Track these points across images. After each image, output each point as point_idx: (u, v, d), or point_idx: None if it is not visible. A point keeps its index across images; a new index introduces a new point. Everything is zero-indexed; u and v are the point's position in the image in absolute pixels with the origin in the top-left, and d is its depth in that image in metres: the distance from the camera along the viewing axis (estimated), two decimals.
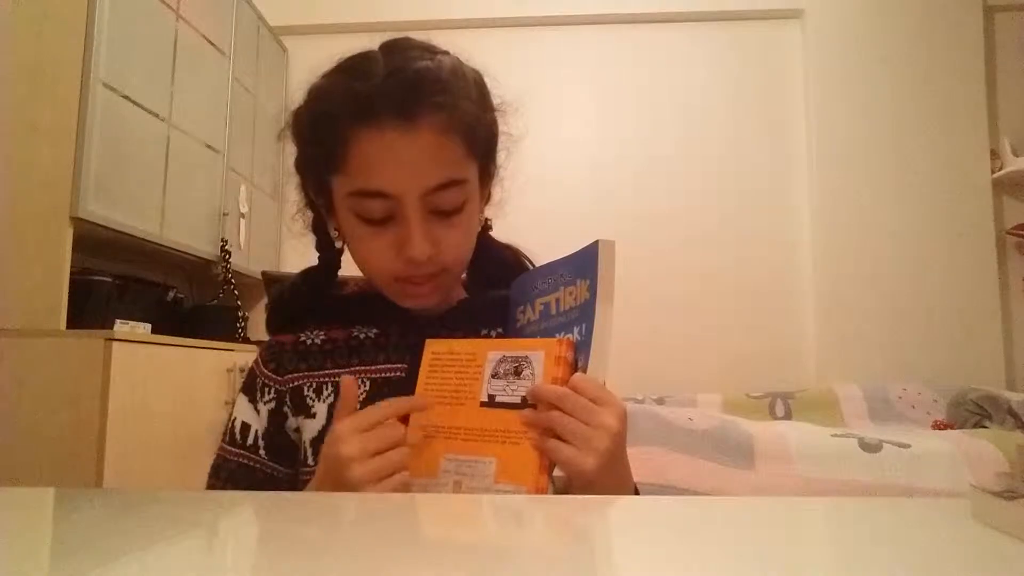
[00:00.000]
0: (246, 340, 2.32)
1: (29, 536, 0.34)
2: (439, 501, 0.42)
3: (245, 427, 0.70)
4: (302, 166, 0.70)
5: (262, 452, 0.69)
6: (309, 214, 0.74)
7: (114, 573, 0.26)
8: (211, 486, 0.69)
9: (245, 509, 0.43)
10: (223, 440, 0.71)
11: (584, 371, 0.56)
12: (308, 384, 0.70)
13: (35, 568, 0.27)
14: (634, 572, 0.26)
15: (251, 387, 0.72)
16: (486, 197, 0.73)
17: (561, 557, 0.30)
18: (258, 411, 0.70)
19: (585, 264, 0.60)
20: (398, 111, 0.60)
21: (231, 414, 0.72)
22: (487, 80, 0.70)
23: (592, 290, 0.58)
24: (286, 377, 0.70)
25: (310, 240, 0.76)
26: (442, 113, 0.61)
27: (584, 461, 0.51)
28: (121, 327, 1.74)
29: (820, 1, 2.86)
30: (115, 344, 1.56)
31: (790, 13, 2.91)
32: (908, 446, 1.65)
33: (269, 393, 0.70)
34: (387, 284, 0.67)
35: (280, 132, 0.72)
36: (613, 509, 0.43)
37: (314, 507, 0.42)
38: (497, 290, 0.73)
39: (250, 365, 0.74)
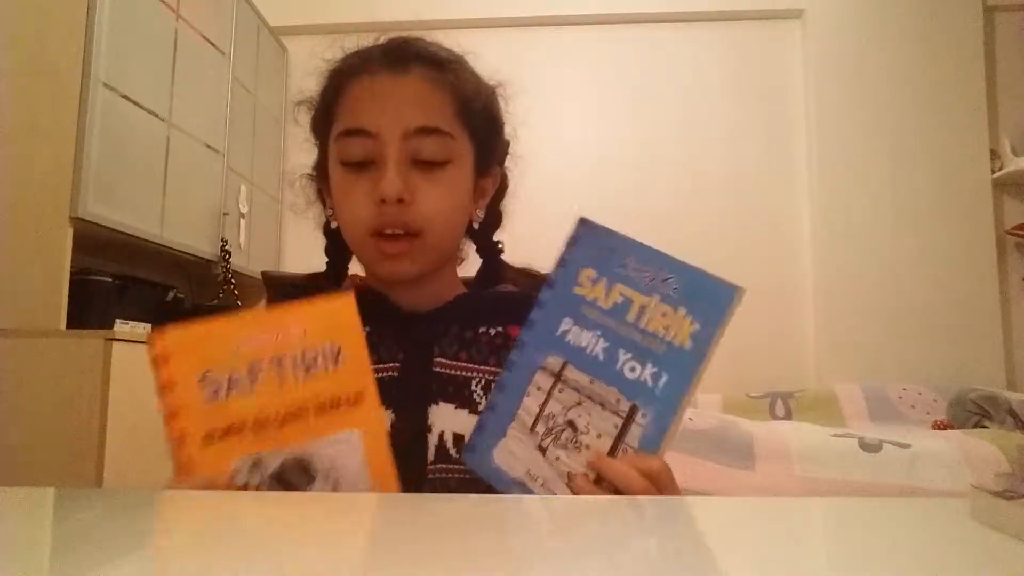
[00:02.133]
0: None
1: (29, 536, 0.34)
2: (437, 501, 0.42)
3: None
4: (312, 129, 0.72)
5: None
6: (321, 218, 0.74)
7: (114, 573, 0.26)
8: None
9: (245, 509, 0.43)
10: None
11: (655, 439, 0.49)
12: None
13: (35, 568, 0.27)
14: (634, 572, 0.26)
15: None
16: (482, 190, 0.72)
17: (561, 557, 0.30)
18: None
19: (705, 299, 0.50)
20: (390, 61, 0.64)
21: None
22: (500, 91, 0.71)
23: (702, 340, 0.49)
24: None
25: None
26: (432, 67, 0.64)
27: None
28: (121, 327, 1.74)
29: (820, 1, 2.86)
30: (115, 344, 1.56)
31: (790, 13, 2.90)
32: (908, 446, 1.65)
33: None
34: (363, 243, 0.65)
35: (295, 111, 0.73)
36: (612, 509, 0.43)
37: (315, 506, 0.42)
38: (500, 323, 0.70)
39: None
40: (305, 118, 0.72)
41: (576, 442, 0.51)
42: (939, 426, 2.22)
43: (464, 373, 0.66)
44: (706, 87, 2.92)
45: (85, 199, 1.67)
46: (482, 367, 0.67)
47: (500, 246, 0.75)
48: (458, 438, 0.62)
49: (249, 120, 2.61)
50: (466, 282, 0.78)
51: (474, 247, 0.76)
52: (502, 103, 0.71)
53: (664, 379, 0.49)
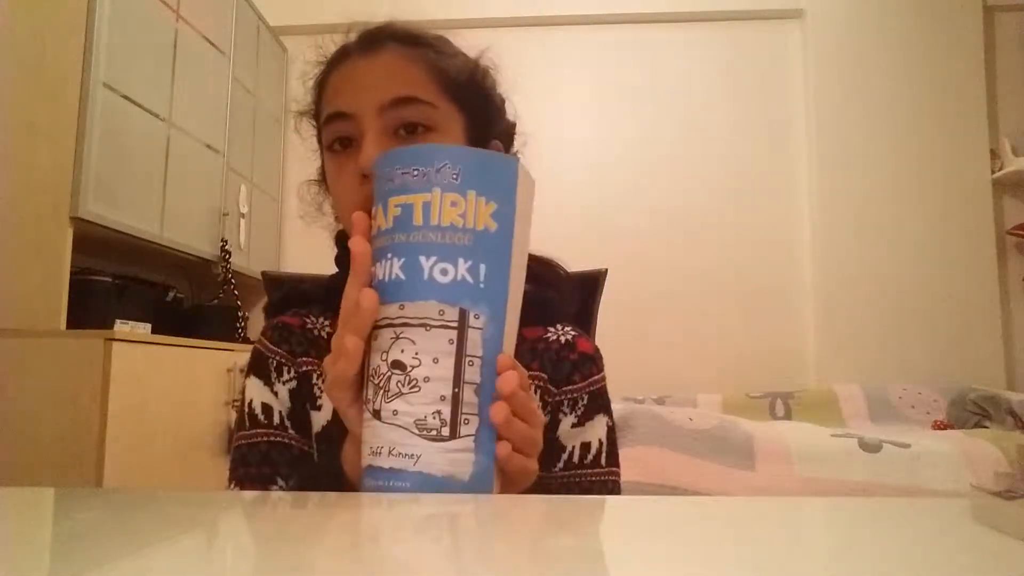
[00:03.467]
0: (246, 340, 2.32)
1: (29, 536, 0.34)
2: (434, 500, 0.42)
3: (267, 408, 0.65)
4: (317, 140, 0.72)
5: (291, 432, 0.65)
6: (333, 225, 0.73)
7: (114, 573, 0.26)
8: (243, 476, 0.63)
9: (245, 509, 0.43)
10: (239, 430, 0.66)
11: (497, 339, 0.44)
12: (316, 372, 0.66)
13: (35, 568, 0.27)
14: (634, 572, 0.26)
15: (263, 369, 0.67)
16: None
17: (561, 557, 0.30)
18: (276, 392, 0.66)
19: (490, 176, 0.44)
20: (363, 45, 0.65)
21: (243, 401, 0.67)
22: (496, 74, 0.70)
23: (506, 216, 0.43)
24: (298, 360, 0.67)
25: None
26: (406, 43, 0.64)
27: (531, 470, 0.47)
28: (121, 327, 1.74)
29: (820, 1, 2.86)
30: (115, 344, 1.56)
31: (790, 13, 2.91)
32: (908, 446, 1.65)
33: (288, 372, 0.67)
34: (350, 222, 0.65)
35: (296, 122, 0.73)
36: (613, 509, 0.43)
37: (315, 506, 0.42)
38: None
39: (253, 348, 0.69)
40: (308, 130, 0.72)
41: (410, 382, 0.43)
42: (939, 426, 2.22)
43: None
44: (706, 87, 2.92)
45: (85, 199, 1.67)
46: None
47: None
48: None
49: (249, 120, 2.62)
50: None
51: None
52: (493, 73, 0.70)
53: (483, 269, 0.43)
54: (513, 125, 0.73)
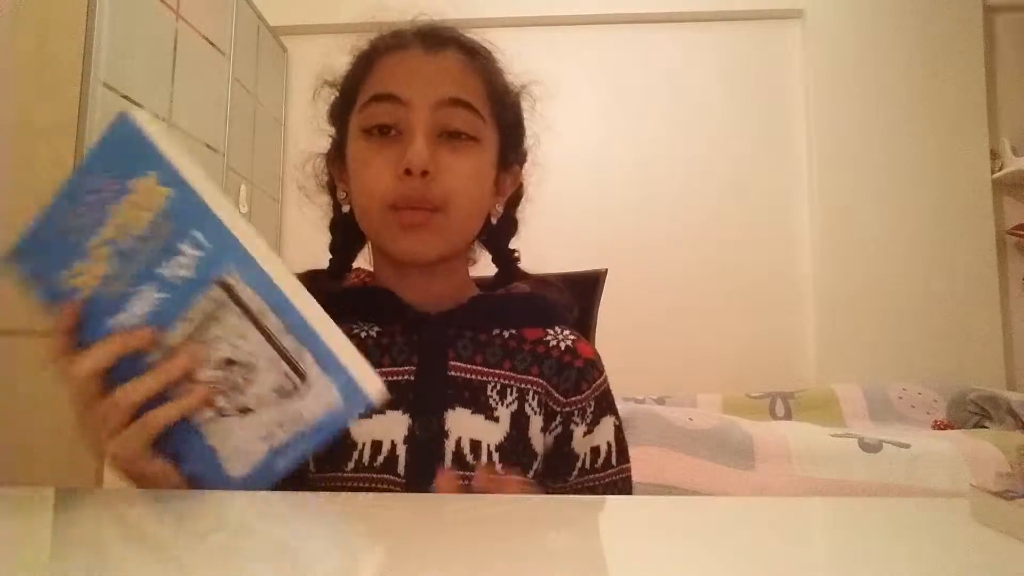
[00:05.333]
0: None
1: (29, 536, 0.34)
2: (432, 500, 0.42)
3: None
4: (331, 114, 0.71)
5: None
6: (328, 211, 0.72)
7: (114, 573, 0.26)
8: None
9: (245, 509, 0.43)
10: None
11: (265, 277, 0.43)
12: None
13: (35, 568, 0.27)
14: (634, 572, 0.26)
15: None
16: (502, 185, 0.70)
17: (561, 557, 0.30)
18: None
19: (120, 148, 0.41)
20: (424, 40, 0.64)
21: None
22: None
23: (171, 179, 0.40)
24: None
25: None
26: (466, 51, 0.65)
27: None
28: None
29: (820, 1, 2.86)
30: None
31: (790, 13, 2.91)
32: (908, 446, 1.65)
33: None
34: (381, 217, 0.62)
35: (315, 91, 0.72)
36: (613, 509, 0.43)
37: (316, 507, 0.42)
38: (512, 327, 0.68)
39: None
40: (322, 105, 0.71)
41: (243, 368, 0.43)
42: (939, 426, 2.22)
43: (479, 377, 0.64)
44: (706, 87, 2.92)
45: None
46: (497, 371, 0.65)
47: (516, 254, 0.74)
48: (474, 444, 0.61)
49: (249, 120, 2.62)
50: (477, 282, 0.75)
51: (490, 256, 0.75)
52: (530, 103, 0.71)
53: (197, 234, 0.41)
54: (526, 153, 0.74)
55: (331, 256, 0.72)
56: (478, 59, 0.65)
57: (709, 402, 2.47)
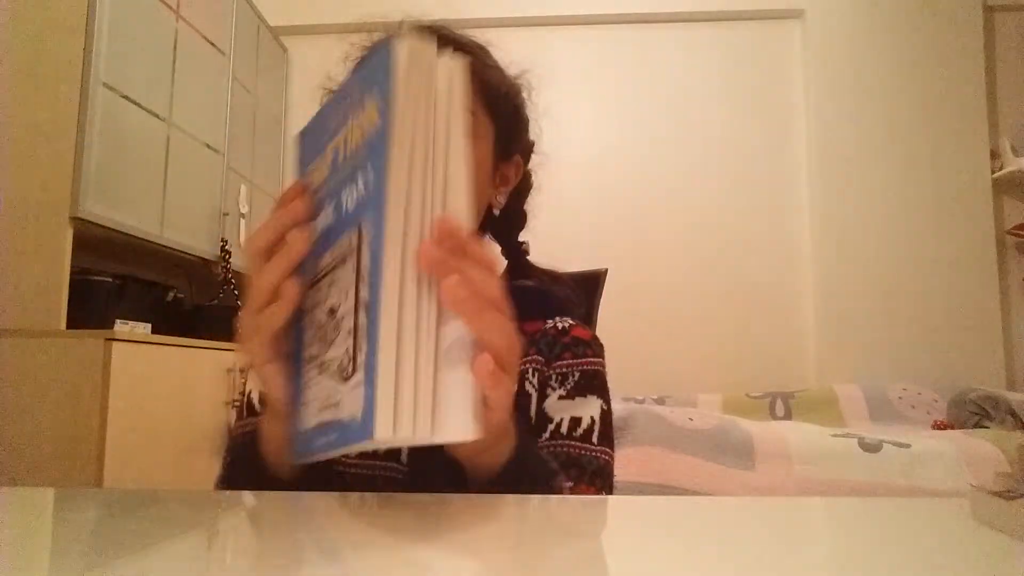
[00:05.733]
0: None
1: (29, 536, 0.34)
2: (433, 500, 0.42)
3: (264, 399, 0.65)
4: None
5: None
6: None
7: (114, 573, 0.26)
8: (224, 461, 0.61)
9: (245, 509, 0.43)
10: (237, 419, 0.64)
11: (380, 240, 0.36)
12: None
13: (35, 568, 0.27)
14: (634, 572, 0.26)
15: None
16: (503, 176, 0.71)
17: (560, 557, 0.30)
18: None
19: (374, 69, 0.38)
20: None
21: (245, 392, 0.66)
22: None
23: (385, 104, 0.37)
24: None
25: None
26: (457, 47, 0.64)
27: (509, 399, 0.40)
28: (121, 327, 1.74)
29: (820, 1, 2.86)
30: (115, 344, 1.56)
31: (790, 13, 2.91)
32: (908, 446, 1.65)
33: None
34: None
35: (320, 100, 0.73)
36: (613, 509, 0.43)
37: (315, 506, 0.42)
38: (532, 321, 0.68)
39: None
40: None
41: (334, 325, 0.39)
42: (939, 426, 2.22)
43: None
44: (706, 87, 2.92)
45: (85, 199, 1.67)
46: None
47: (525, 246, 0.75)
48: None
49: (249, 120, 2.62)
50: None
51: (499, 248, 0.75)
52: (526, 93, 0.72)
53: (371, 175, 0.37)
54: (532, 144, 0.74)
55: None
56: (465, 54, 0.66)
57: (709, 402, 2.47)
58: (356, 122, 0.39)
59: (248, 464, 0.50)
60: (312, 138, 0.45)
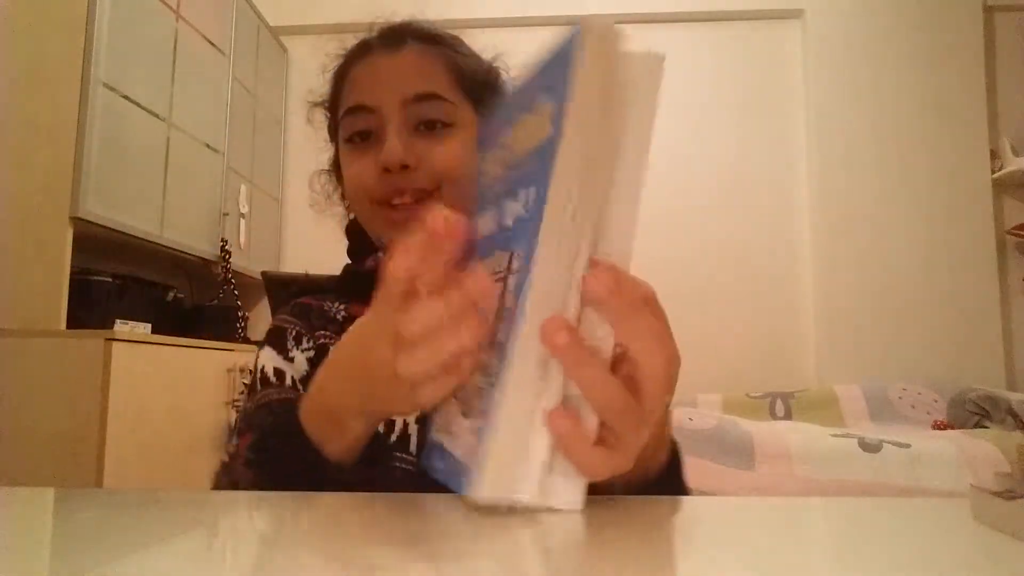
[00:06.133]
0: (246, 340, 2.32)
1: (29, 536, 0.34)
2: (438, 500, 0.42)
3: (279, 372, 0.63)
4: (327, 129, 0.73)
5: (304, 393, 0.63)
6: (343, 217, 0.74)
7: (114, 573, 0.26)
8: (247, 431, 0.57)
9: (245, 509, 0.43)
10: (248, 395, 0.63)
11: (525, 276, 0.31)
12: (335, 346, 0.66)
13: (35, 568, 0.27)
14: (633, 572, 0.26)
15: (279, 340, 0.65)
16: None
17: (560, 557, 0.30)
18: (292, 358, 0.64)
19: (553, 64, 0.32)
20: (385, 41, 0.66)
21: (254, 371, 0.64)
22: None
23: (559, 109, 0.31)
24: (316, 333, 0.67)
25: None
26: (426, 41, 0.65)
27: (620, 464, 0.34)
28: (121, 327, 1.74)
29: (820, 1, 2.86)
30: (115, 344, 1.56)
31: (790, 13, 2.91)
32: (908, 446, 1.65)
33: (306, 342, 0.66)
34: (370, 213, 0.64)
35: (308, 112, 0.73)
36: (613, 509, 0.43)
37: (316, 506, 0.42)
38: None
39: (272, 324, 0.68)
40: (322, 122, 0.73)
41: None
42: (939, 426, 2.22)
43: None
44: (706, 87, 2.92)
45: (85, 199, 1.67)
46: None
47: None
48: None
49: (249, 120, 2.62)
50: None
51: None
52: (504, 75, 0.72)
53: (532, 191, 0.32)
54: None
55: (349, 257, 0.74)
56: (438, 46, 0.66)
57: (709, 402, 2.47)
58: (521, 125, 0.35)
59: (294, 436, 0.47)
60: (492, 126, 0.40)
